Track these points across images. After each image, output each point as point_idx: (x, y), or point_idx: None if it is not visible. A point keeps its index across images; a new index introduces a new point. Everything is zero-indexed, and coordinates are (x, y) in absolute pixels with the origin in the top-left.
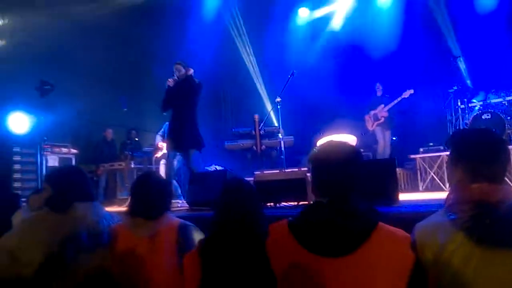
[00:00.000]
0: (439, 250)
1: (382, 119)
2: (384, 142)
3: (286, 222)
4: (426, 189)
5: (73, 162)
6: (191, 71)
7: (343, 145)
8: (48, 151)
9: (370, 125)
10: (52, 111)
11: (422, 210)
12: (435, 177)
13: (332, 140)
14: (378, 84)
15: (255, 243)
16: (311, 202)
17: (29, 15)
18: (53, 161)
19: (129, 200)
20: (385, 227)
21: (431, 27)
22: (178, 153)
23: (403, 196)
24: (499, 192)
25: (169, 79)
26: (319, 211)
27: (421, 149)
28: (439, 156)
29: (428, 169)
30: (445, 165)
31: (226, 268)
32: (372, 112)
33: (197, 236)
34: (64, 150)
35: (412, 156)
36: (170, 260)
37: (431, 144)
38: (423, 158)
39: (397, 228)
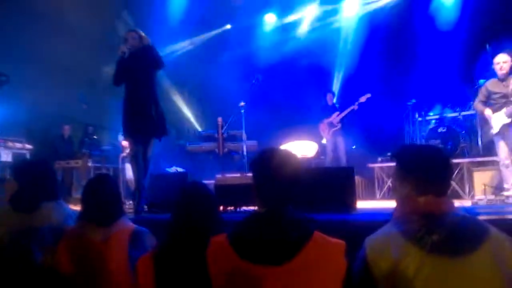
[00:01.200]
0: (394, 263)
1: (339, 126)
2: (334, 149)
3: (225, 234)
4: (383, 197)
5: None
6: (149, 41)
7: (284, 154)
8: (1, 146)
9: (326, 133)
10: (7, 104)
11: (379, 219)
12: (391, 186)
13: (273, 149)
14: (329, 94)
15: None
16: (249, 213)
17: None
18: (6, 156)
19: (80, 206)
20: (321, 236)
21: (393, 40)
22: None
23: (361, 204)
24: (444, 204)
25: (122, 46)
26: (256, 221)
27: (380, 159)
28: None
29: (385, 178)
30: None
31: (180, 273)
32: (326, 121)
33: (151, 242)
34: (18, 145)
35: (371, 165)
36: (121, 265)
37: (389, 153)
38: (381, 167)
39: (332, 237)
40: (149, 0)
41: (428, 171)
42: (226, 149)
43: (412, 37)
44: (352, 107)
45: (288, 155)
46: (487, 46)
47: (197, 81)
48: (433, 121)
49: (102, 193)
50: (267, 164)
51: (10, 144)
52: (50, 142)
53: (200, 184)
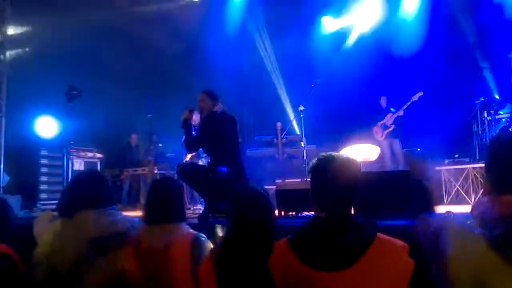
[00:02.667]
0: (473, 267)
1: (392, 127)
2: (391, 152)
3: (286, 239)
4: (451, 202)
5: (98, 167)
6: (220, 107)
7: (343, 158)
8: (74, 155)
9: (380, 136)
10: (79, 115)
11: None
12: (460, 190)
13: (331, 154)
14: (383, 97)
15: (267, 253)
16: (310, 218)
17: (57, 21)
18: (78, 165)
19: (143, 206)
20: (384, 238)
21: (456, 37)
22: None
23: None
24: None
25: (186, 111)
26: (317, 226)
27: (446, 161)
28: (465, 168)
29: (453, 182)
30: (470, 178)
31: (240, 277)
32: (380, 123)
33: (210, 248)
34: (90, 154)
35: (437, 168)
36: (183, 270)
37: (457, 156)
38: (448, 170)
39: (396, 238)
40: (207, 8)
41: (509, 165)
42: (285, 154)
43: (477, 31)
44: (405, 106)
45: (346, 160)
46: None
47: (255, 87)
48: (504, 119)
49: (163, 192)
50: (325, 169)
51: (82, 153)
52: (119, 151)
53: (254, 189)
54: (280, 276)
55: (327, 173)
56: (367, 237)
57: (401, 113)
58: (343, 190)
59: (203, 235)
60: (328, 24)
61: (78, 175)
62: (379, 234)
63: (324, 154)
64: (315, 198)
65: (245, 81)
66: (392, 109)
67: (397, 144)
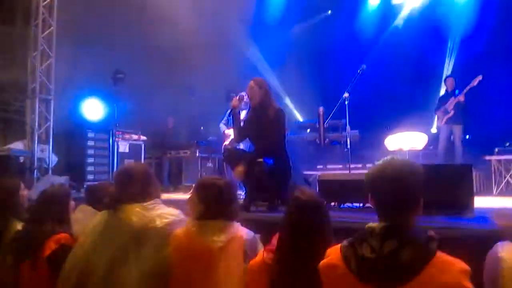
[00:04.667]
0: None
1: (452, 113)
2: (447, 138)
3: (339, 246)
4: (501, 193)
5: (142, 149)
6: (269, 97)
7: (405, 165)
8: (120, 137)
9: (440, 121)
10: (125, 98)
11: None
12: (510, 181)
13: (392, 159)
14: (449, 79)
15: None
16: (366, 227)
17: (104, 6)
18: (123, 147)
19: (195, 205)
20: (444, 258)
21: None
22: None
23: (476, 201)
24: None
25: (235, 99)
26: (373, 237)
27: (497, 149)
28: None
29: (504, 172)
30: None
31: (293, 281)
32: (443, 107)
33: (260, 247)
34: (135, 136)
35: (487, 157)
36: (235, 271)
37: (508, 144)
38: (498, 160)
39: (457, 259)
40: None
41: None
42: (327, 140)
43: None
44: (464, 91)
45: (409, 166)
46: None
47: (297, 70)
48: None
49: (216, 192)
50: (388, 176)
51: (127, 136)
52: (160, 134)
53: (313, 196)
54: (328, 283)
55: (389, 182)
56: (426, 255)
57: (461, 98)
58: (406, 201)
59: (255, 234)
60: (375, 3)
61: (124, 168)
62: (439, 252)
63: (388, 162)
64: (375, 207)
65: (286, 63)
66: (456, 91)
67: (457, 130)
